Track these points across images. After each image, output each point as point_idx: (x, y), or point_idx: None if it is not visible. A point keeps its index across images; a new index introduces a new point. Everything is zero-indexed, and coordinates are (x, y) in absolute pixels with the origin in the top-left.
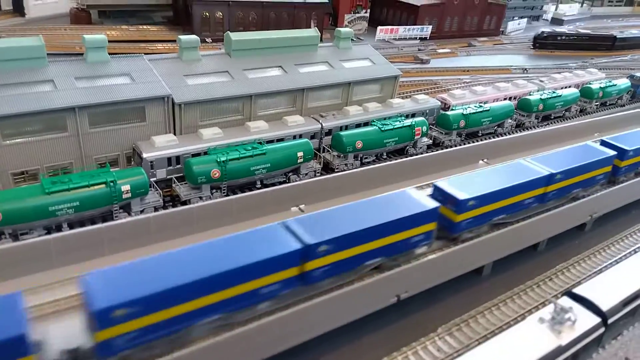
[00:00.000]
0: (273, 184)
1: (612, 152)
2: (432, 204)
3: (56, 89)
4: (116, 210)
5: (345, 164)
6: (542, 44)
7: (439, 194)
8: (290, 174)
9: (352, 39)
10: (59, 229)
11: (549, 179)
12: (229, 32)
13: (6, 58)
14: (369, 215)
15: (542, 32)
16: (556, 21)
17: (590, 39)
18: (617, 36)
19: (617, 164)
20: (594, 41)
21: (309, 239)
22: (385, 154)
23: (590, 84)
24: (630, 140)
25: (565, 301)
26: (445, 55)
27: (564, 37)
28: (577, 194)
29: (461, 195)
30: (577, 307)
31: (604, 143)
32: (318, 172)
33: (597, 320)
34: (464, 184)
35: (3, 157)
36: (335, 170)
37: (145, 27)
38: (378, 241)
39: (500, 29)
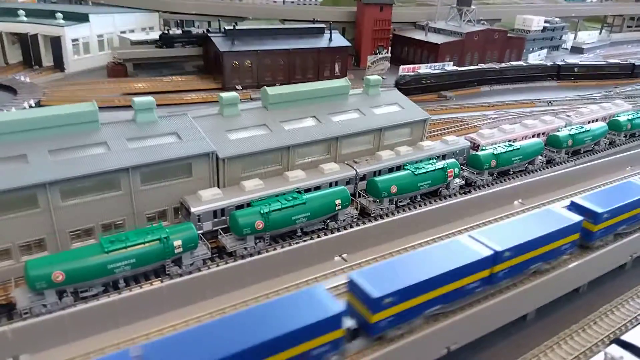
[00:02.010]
0: (312, 231)
1: None
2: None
3: (110, 151)
4: (168, 264)
5: (381, 209)
6: (405, 90)
7: None
8: (328, 220)
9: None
10: (115, 284)
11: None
12: (265, 87)
13: (64, 123)
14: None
15: (404, 76)
16: (576, 50)
17: (460, 75)
18: (497, 68)
19: None
20: (464, 78)
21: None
22: (419, 195)
23: (617, 116)
24: None
25: (615, 349)
26: (468, 92)
27: (430, 80)
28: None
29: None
30: (628, 356)
31: None
32: (355, 218)
33: None
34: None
35: (63, 216)
36: (372, 215)
37: (177, 78)
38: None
39: (521, 61)
